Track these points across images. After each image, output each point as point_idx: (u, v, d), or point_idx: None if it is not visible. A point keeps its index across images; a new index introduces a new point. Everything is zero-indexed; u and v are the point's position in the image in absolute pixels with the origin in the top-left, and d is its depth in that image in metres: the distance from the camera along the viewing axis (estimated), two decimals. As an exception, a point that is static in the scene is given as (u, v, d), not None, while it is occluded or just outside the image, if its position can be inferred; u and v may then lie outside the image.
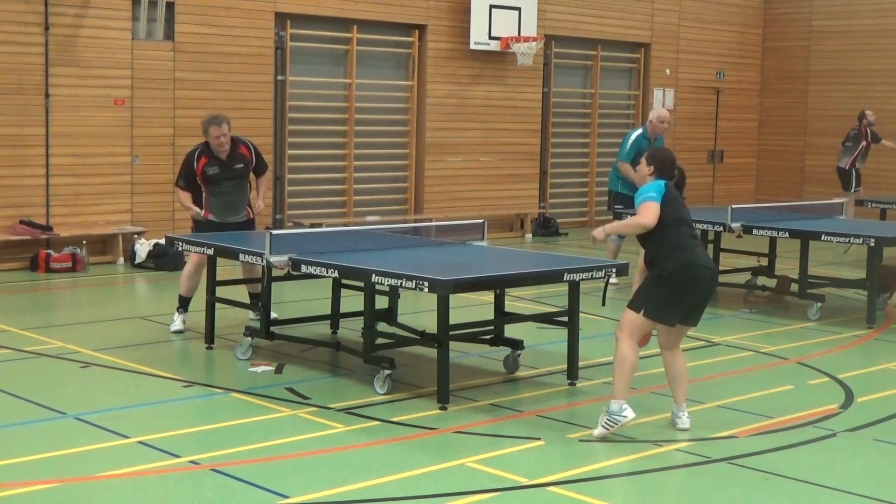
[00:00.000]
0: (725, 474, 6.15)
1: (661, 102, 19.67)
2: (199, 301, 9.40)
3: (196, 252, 9.11)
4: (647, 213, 6.73)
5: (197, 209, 9.70)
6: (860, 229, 11.13)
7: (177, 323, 9.61)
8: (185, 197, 9.77)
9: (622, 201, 12.32)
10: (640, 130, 12.61)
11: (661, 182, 6.91)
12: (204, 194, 9.71)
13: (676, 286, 6.69)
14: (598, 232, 7.05)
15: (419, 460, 6.26)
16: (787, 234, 10.91)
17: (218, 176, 9.64)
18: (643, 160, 7.11)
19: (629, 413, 6.67)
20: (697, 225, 11.65)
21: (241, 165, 9.77)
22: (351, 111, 16.01)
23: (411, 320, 9.29)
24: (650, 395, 7.63)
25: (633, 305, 6.82)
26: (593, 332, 9.62)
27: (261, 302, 8.65)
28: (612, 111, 19.49)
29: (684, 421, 6.92)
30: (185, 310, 9.66)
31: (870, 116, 17.01)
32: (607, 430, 6.66)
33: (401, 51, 16.72)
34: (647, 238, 6.84)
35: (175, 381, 7.96)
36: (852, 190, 16.92)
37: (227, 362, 8.61)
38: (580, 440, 6.68)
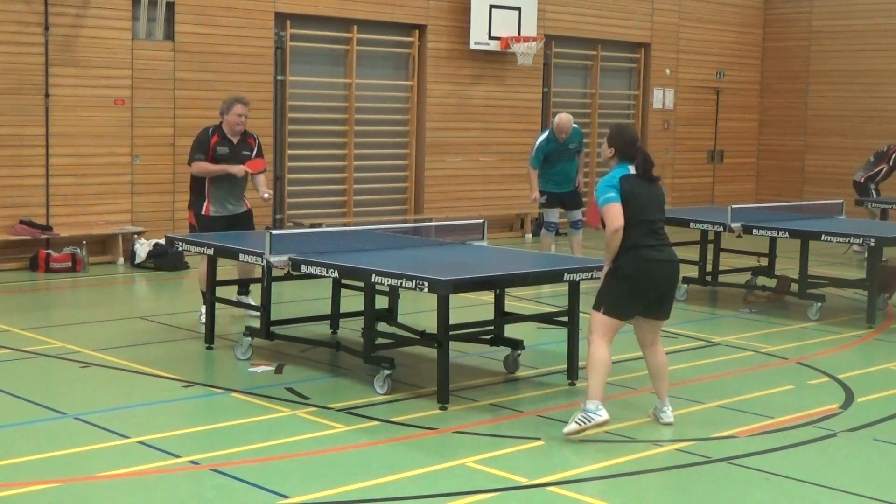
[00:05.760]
0: (725, 474, 6.14)
1: (661, 102, 19.69)
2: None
3: (200, 252, 9.03)
4: (613, 217, 6.66)
5: (223, 167, 9.60)
6: (860, 229, 11.13)
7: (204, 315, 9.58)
8: (206, 164, 9.67)
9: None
10: (546, 133, 12.92)
11: (616, 178, 6.76)
12: (207, 180, 9.71)
13: (631, 283, 6.72)
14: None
15: (419, 460, 6.26)
16: (787, 234, 10.91)
17: (226, 157, 9.69)
18: (605, 142, 6.98)
19: (604, 413, 6.65)
20: (697, 225, 11.67)
21: (247, 153, 9.85)
22: (351, 111, 16.01)
23: (411, 320, 9.28)
24: (650, 395, 7.63)
25: (596, 305, 6.86)
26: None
27: (261, 302, 8.64)
28: (613, 111, 19.46)
29: (669, 415, 7.02)
30: None
31: None
32: (580, 426, 6.61)
33: (401, 51, 16.71)
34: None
35: (175, 381, 7.95)
36: (869, 205, 16.09)
37: (227, 362, 8.60)
38: (580, 440, 6.68)
